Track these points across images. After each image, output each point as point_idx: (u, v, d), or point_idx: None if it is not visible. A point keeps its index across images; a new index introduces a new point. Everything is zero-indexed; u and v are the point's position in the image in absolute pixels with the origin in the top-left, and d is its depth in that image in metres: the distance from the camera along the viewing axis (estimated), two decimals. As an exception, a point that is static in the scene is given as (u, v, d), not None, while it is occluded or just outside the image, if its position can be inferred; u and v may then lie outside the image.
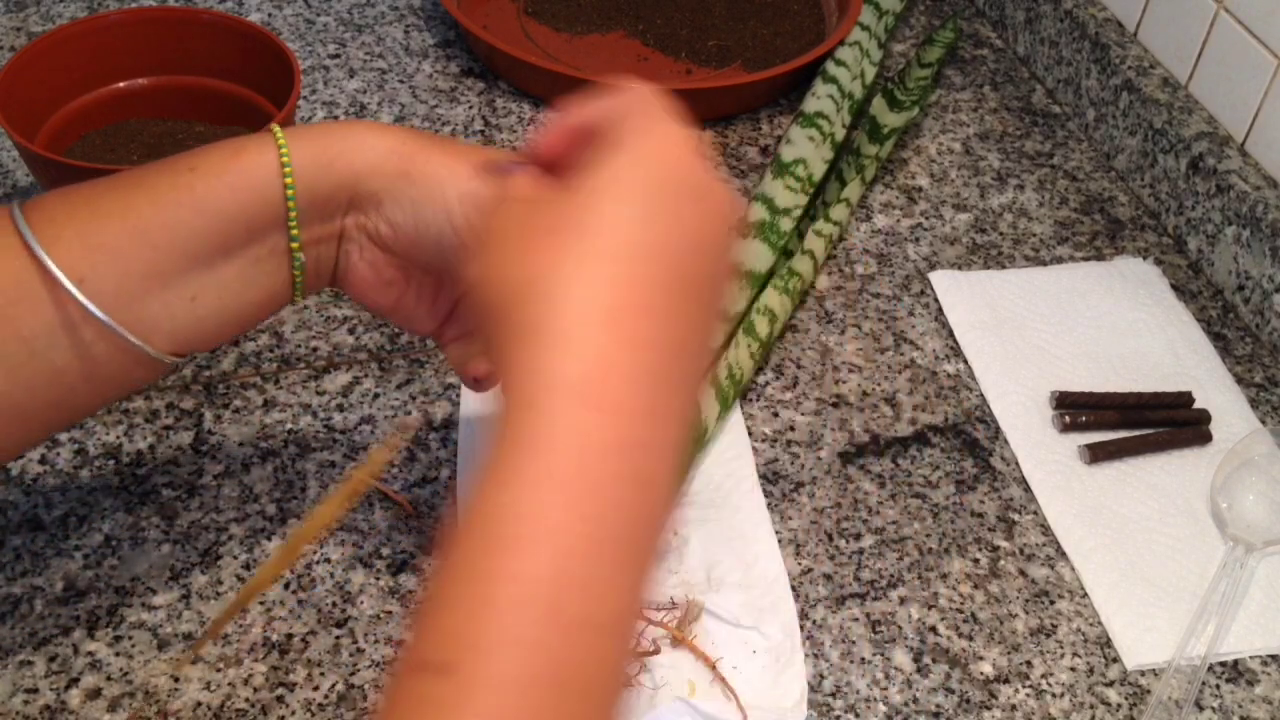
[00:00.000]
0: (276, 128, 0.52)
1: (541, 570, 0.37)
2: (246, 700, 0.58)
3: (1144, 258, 0.88)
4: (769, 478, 0.71)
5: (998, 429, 0.75)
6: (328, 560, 0.64)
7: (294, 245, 0.52)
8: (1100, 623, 0.66)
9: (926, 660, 0.63)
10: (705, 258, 0.44)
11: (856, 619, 0.65)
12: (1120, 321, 0.83)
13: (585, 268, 0.41)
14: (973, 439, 0.75)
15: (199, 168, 0.51)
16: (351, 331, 0.76)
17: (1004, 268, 0.86)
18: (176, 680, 0.59)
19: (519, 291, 0.42)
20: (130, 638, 0.60)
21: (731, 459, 0.71)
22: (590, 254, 0.41)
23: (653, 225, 0.42)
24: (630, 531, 0.39)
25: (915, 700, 0.62)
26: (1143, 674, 0.64)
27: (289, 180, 0.51)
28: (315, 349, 0.75)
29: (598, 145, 0.45)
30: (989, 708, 0.62)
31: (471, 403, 0.72)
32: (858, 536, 0.69)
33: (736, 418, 0.73)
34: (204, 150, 0.52)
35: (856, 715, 0.61)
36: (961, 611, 0.66)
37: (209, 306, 0.51)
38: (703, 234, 0.44)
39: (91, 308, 0.49)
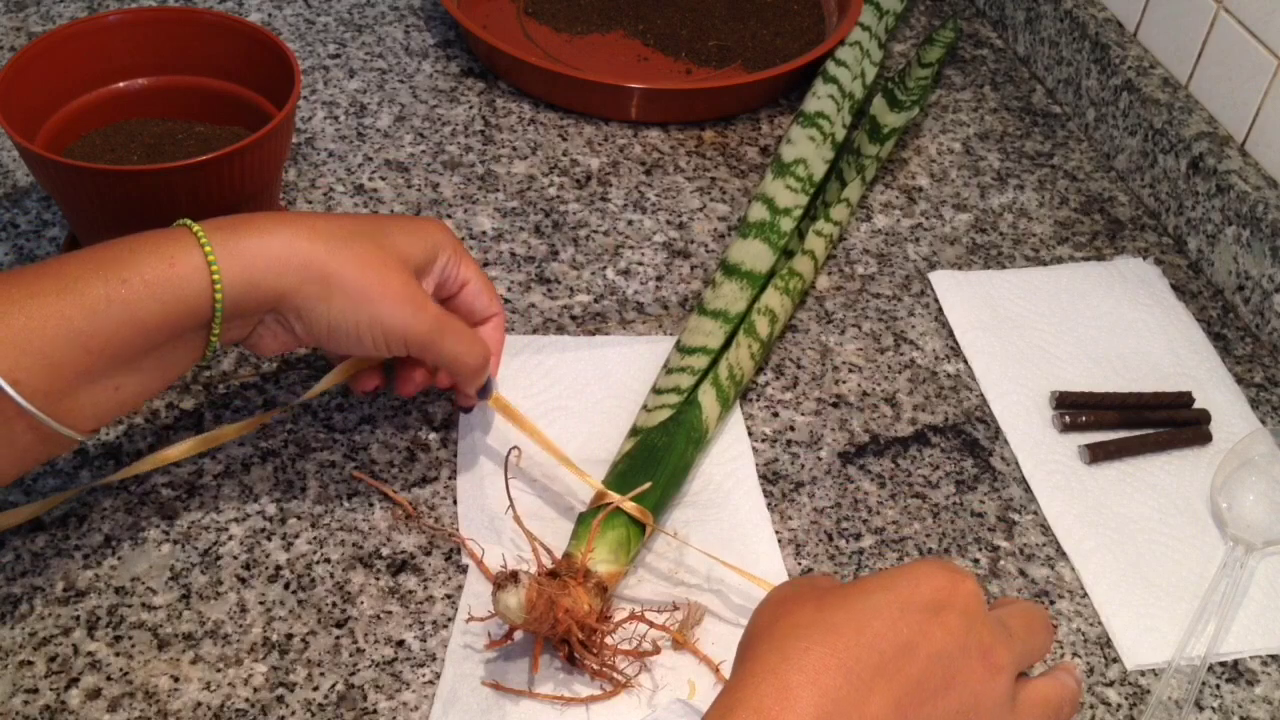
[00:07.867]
0: (202, 236, 0.56)
1: None
2: (246, 700, 0.58)
3: (1144, 258, 0.88)
4: (769, 478, 0.71)
5: (998, 429, 0.75)
6: (328, 560, 0.64)
7: (213, 339, 0.58)
8: (1100, 623, 0.66)
9: (926, 660, 0.63)
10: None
11: (856, 619, 0.65)
12: (1120, 321, 0.83)
13: (827, 661, 0.46)
14: (973, 439, 0.75)
15: (130, 280, 0.55)
16: (351, 331, 0.76)
17: (1004, 268, 0.86)
18: (176, 680, 0.59)
19: (778, 638, 0.47)
20: (130, 638, 0.60)
21: (731, 459, 0.71)
22: (845, 654, 0.46)
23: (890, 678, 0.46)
24: None
25: (915, 700, 0.61)
26: (1143, 674, 0.64)
27: (219, 298, 0.56)
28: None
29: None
30: (989, 708, 0.62)
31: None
32: (858, 536, 0.69)
33: (736, 418, 0.74)
34: (134, 256, 0.56)
35: (856, 715, 0.61)
36: (961, 611, 0.66)
37: (130, 391, 0.57)
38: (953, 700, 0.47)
39: (27, 405, 0.52)
